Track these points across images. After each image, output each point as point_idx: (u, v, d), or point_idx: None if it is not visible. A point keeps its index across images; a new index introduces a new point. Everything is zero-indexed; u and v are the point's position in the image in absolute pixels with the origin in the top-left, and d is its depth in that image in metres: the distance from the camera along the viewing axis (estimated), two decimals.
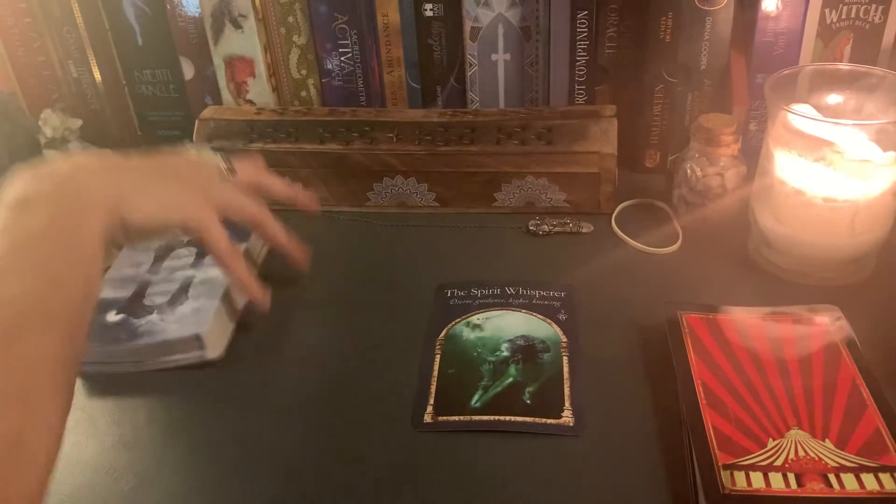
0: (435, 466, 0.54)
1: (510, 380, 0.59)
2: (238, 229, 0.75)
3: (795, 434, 0.50)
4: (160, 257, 0.72)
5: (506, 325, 0.65)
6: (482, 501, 0.51)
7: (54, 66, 0.90)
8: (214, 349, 0.63)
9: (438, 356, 0.62)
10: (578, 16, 0.80)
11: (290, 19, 0.87)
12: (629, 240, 0.75)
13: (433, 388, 0.59)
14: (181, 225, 0.57)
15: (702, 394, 0.53)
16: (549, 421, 0.56)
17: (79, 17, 0.86)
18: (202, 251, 0.72)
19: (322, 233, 0.81)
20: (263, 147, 0.81)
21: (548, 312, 0.66)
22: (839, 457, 0.48)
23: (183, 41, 0.88)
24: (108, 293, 0.68)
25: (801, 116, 0.63)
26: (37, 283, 0.42)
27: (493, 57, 0.85)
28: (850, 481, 0.46)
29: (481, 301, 0.68)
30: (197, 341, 0.62)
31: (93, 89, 0.91)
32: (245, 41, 0.86)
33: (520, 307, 0.67)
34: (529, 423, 0.56)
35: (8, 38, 0.89)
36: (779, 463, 0.48)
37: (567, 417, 0.56)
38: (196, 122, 0.84)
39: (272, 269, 0.75)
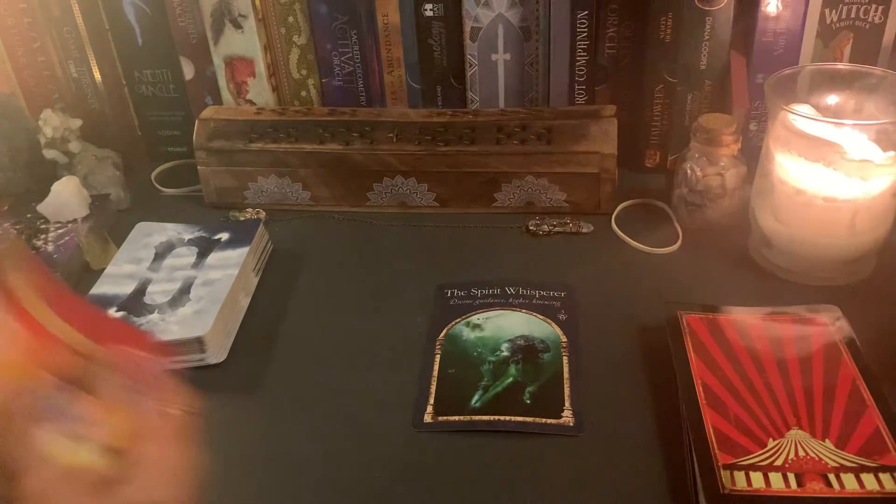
0: (435, 466, 0.54)
1: (510, 380, 0.59)
2: (239, 233, 0.75)
3: (795, 434, 0.50)
4: (161, 255, 0.73)
5: (506, 325, 0.65)
6: (482, 501, 0.51)
7: (54, 66, 0.90)
8: (216, 353, 0.63)
9: (438, 356, 0.62)
10: (578, 16, 0.80)
11: (290, 19, 0.87)
12: (629, 240, 0.75)
13: (433, 388, 0.59)
14: None
15: (702, 394, 0.53)
16: (549, 421, 0.56)
17: (79, 17, 0.86)
18: (204, 250, 0.73)
19: (322, 233, 0.81)
20: (263, 147, 0.81)
21: (548, 312, 0.66)
22: (839, 457, 0.48)
23: (183, 41, 0.88)
24: (108, 289, 0.68)
25: (801, 116, 0.63)
26: None
27: (493, 57, 0.85)
28: (850, 481, 0.46)
29: (481, 301, 0.68)
30: (198, 344, 0.62)
31: (93, 89, 0.91)
32: (245, 41, 0.86)
33: (520, 307, 0.67)
34: (529, 423, 0.56)
35: (8, 38, 0.89)
36: (779, 463, 0.48)
37: (567, 417, 0.56)
38: (196, 122, 0.84)
39: (273, 270, 0.75)
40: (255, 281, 0.73)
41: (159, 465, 0.35)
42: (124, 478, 0.33)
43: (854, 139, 0.62)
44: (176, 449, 0.36)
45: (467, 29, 0.83)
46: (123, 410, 0.34)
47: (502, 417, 0.56)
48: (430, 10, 0.84)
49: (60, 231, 0.78)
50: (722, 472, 0.47)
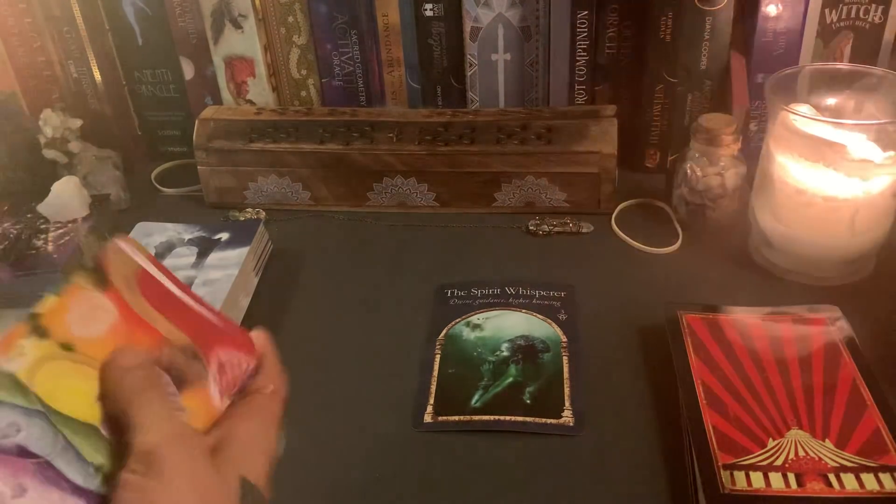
0: (435, 466, 0.54)
1: (510, 380, 0.59)
2: (239, 233, 0.75)
3: (795, 434, 0.50)
4: (161, 255, 0.72)
5: (506, 325, 0.65)
6: (482, 501, 0.51)
7: (54, 66, 0.90)
8: None
9: (438, 356, 0.62)
10: (578, 16, 0.80)
11: (290, 19, 0.87)
12: (629, 240, 0.75)
13: (433, 388, 0.59)
14: None
15: (702, 394, 0.53)
16: (549, 421, 0.56)
17: (79, 17, 0.86)
18: (204, 250, 0.73)
19: (322, 233, 0.81)
20: (263, 147, 0.81)
21: (548, 312, 0.66)
22: (839, 457, 0.48)
23: (183, 41, 0.88)
24: None
25: (801, 116, 0.63)
26: None
27: (493, 57, 0.85)
28: (850, 481, 0.46)
29: (481, 301, 0.68)
30: None
31: (93, 89, 0.90)
32: (245, 41, 0.86)
33: (520, 307, 0.67)
34: (529, 423, 0.56)
35: (8, 38, 0.89)
36: (779, 463, 0.48)
37: (567, 417, 0.56)
38: (196, 122, 0.84)
39: (273, 270, 0.75)
40: (255, 281, 0.73)
41: (249, 442, 0.37)
42: (220, 447, 0.34)
43: (854, 139, 0.62)
44: (264, 427, 0.39)
45: (467, 29, 0.83)
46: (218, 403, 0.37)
47: (502, 417, 0.56)
48: (430, 10, 0.84)
49: (60, 231, 0.78)
50: (722, 472, 0.47)
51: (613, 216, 0.78)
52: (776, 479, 0.47)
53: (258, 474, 0.36)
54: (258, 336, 0.43)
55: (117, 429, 0.32)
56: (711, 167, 0.72)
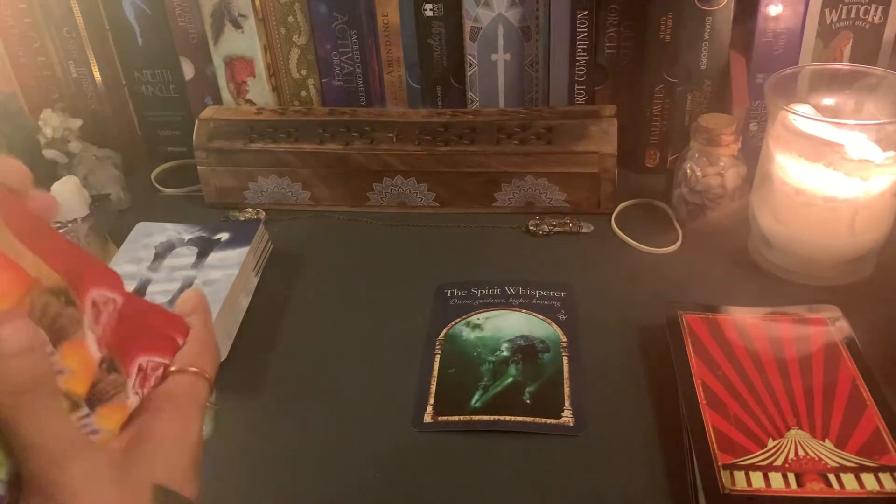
0: (435, 466, 0.54)
1: (510, 380, 0.59)
2: (239, 233, 0.75)
3: (795, 434, 0.50)
4: (161, 255, 0.72)
5: (506, 325, 0.65)
6: (482, 501, 0.51)
7: (54, 66, 0.90)
8: None
9: (438, 356, 0.62)
10: (578, 16, 0.80)
11: (290, 19, 0.87)
12: (629, 240, 0.75)
13: (433, 388, 0.59)
14: None
15: (702, 394, 0.53)
16: (549, 421, 0.56)
17: (79, 17, 0.86)
18: (203, 250, 0.73)
19: (322, 233, 0.81)
20: (263, 147, 0.81)
21: (548, 312, 0.66)
22: (839, 457, 0.48)
23: (183, 41, 0.88)
24: None
25: (800, 116, 0.63)
26: None
27: (493, 57, 0.85)
28: (850, 481, 0.46)
29: (481, 301, 0.68)
30: None
31: (93, 89, 0.90)
32: (245, 41, 0.86)
33: (520, 307, 0.67)
34: (529, 423, 0.56)
35: (8, 38, 0.89)
36: (779, 463, 0.48)
37: (567, 417, 0.56)
38: (196, 122, 0.84)
39: (273, 270, 0.75)
40: (255, 281, 0.73)
41: (165, 441, 0.32)
42: (131, 452, 0.30)
43: (854, 139, 0.62)
44: (183, 420, 0.33)
45: (467, 29, 0.83)
46: (111, 373, 0.30)
47: (502, 417, 0.56)
48: (430, 10, 0.84)
49: (60, 231, 0.78)
50: (722, 472, 0.47)
51: (613, 216, 0.78)
52: (776, 479, 0.47)
53: (179, 475, 0.31)
54: (189, 298, 0.36)
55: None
56: (711, 167, 0.72)
